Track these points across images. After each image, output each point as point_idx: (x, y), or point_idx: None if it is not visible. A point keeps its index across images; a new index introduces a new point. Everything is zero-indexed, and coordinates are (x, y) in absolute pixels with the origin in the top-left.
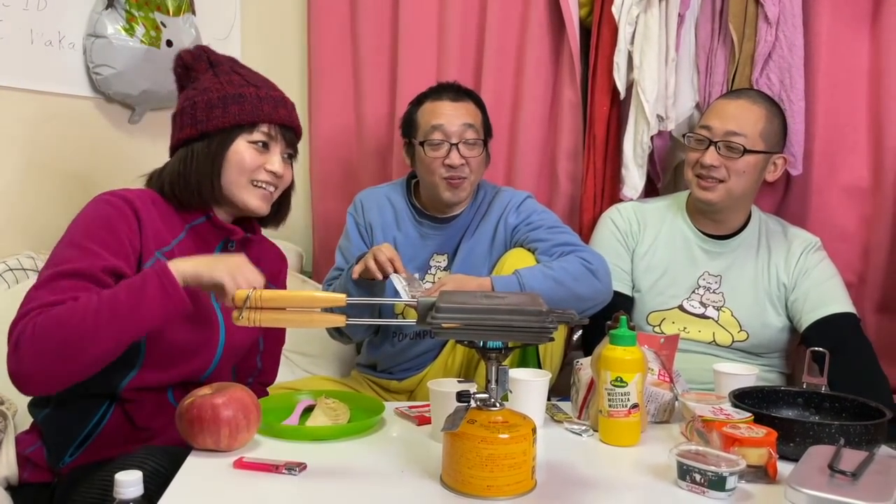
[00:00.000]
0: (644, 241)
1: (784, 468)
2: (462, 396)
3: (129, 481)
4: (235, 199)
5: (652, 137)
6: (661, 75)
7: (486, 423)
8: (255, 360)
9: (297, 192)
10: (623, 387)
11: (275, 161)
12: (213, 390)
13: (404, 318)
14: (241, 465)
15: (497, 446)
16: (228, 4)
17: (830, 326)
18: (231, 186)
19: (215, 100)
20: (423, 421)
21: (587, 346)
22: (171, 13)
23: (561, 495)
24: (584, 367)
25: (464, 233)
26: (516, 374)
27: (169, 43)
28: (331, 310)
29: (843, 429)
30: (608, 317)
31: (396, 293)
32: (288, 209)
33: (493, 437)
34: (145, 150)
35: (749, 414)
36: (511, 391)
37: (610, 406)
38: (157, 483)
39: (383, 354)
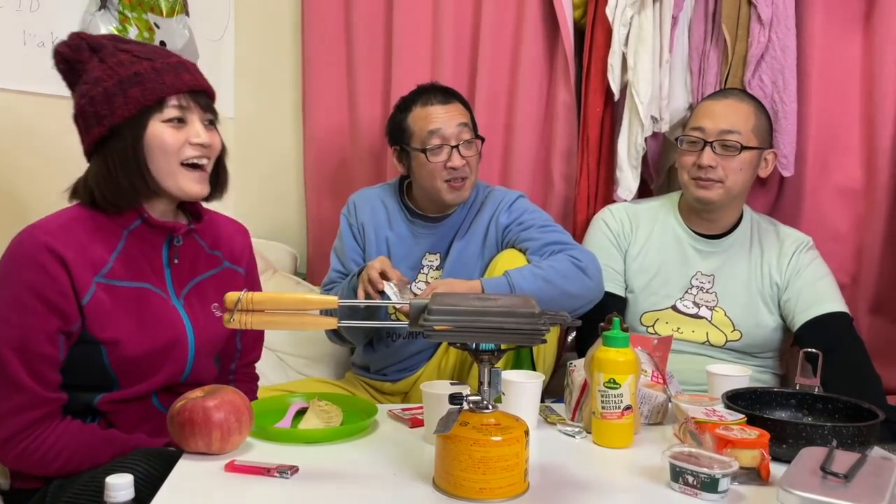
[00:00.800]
0: (636, 242)
1: (777, 470)
2: (455, 398)
3: (120, 485)
4: (170, 187)
5: (646, 139)
6: (655, 77)
7: (478, 426)
8: (235, 342)
9: (291, 194)
10: (616, 388)
11: (197, 131)
12: (205, 393)
13: (397, 320)
14: (232, 468)
15: (490, 448)
16: (222, 5)
17: (823, 326)
18: (161, 175)
19: (112, 88)
20: (416, 423)
21: (581, 347)
22: (164, 14)
23: (554, 497)
24: (578, 368)
25: (456, 232)
26: (509, 375)
27: (162, 44)
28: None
29: (835, 430)
30: (602, 318)
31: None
32: (226, 176)
33: (485, 439)
34: None
35: (742, 415)
36: (504, 393)
37: (603, 408)
38: (149, 486)
39: (378, 355)
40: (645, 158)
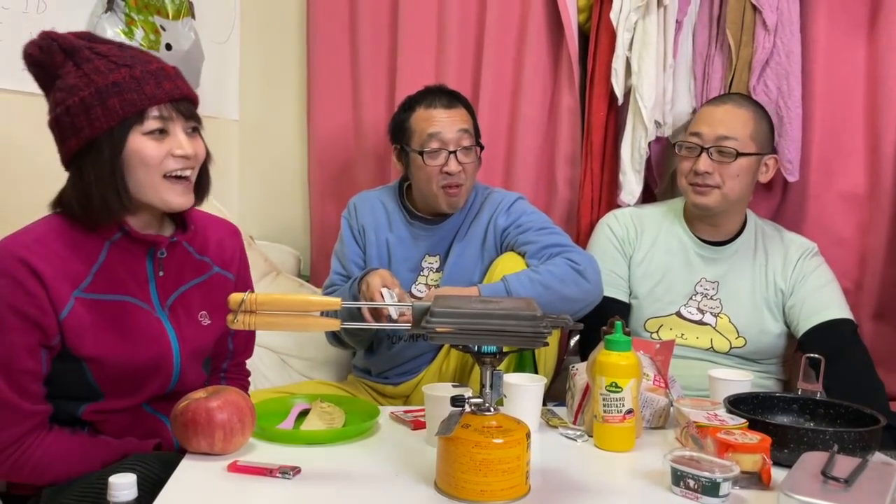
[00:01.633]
0: (641, 248)
1: (778, 474)
2: (456, 401)
3: (123, 484)
4: (153, 201)
5: (649, 143)
6: (658, 81)
7: (480, 428)
8: (227, 343)
9: (295, 196)
10: (618, 392)
11: (181, 142)
12: (208, 394)
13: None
14: (235, 468)
15: (491, 451)
16: (228, 8)
17: (827, 332)
18: (143, 189)
19: (89, 98)
20: (418, 425)
21: (584, 352)
22: (170, 17)
23: (555, 500)
24: (580, 372)
25: (455, 234)
26: (511, 378)
27: (168, 46)
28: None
29: (837, 435)
30: (604, 322)
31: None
32: (208, 181)
33: (487, 441)
34: None
35: (743, 420)
36: (506, 396)
37: (605, 411)
38: (147, 488)
39: (379, 358)
40: (648, 163)
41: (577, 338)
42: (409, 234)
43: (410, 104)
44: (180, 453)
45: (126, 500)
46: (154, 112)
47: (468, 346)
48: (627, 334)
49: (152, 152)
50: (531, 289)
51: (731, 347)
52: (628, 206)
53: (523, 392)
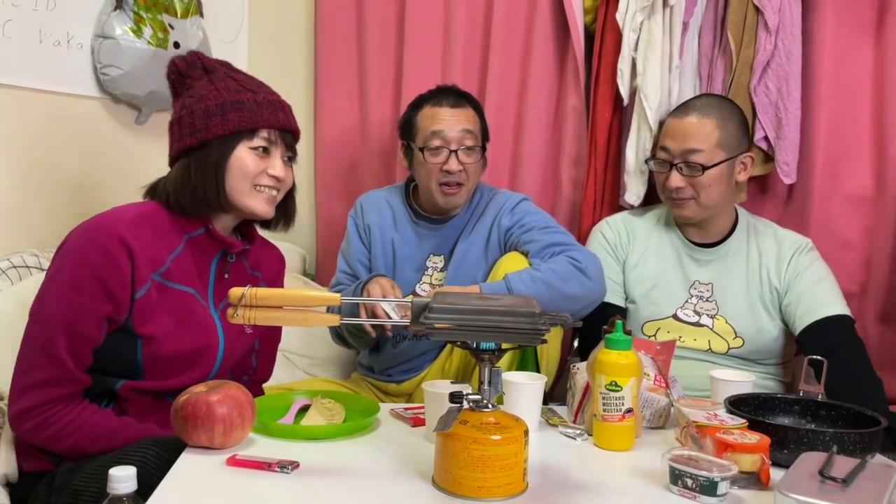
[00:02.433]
0: (634, 253)
1: (777, 475)
2: (455, 397)
3: (123, 476)
4: (240, 205)
5: None
6: (664, 82)
7: (477, 424)
8: (251, 358)
9: (301, 195)
10: (617, 391)
11: (276, 165)
12: (209, 388)
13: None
14: (233, 462)
15: (488, 447)
16: (236, 7)
17: (824, 329)
18: (235, 193)
19: (213, 107)
20: (417, 422)
21: (584, 353)
22: (178, 15)
23: (552, 498)
24: (581, 371)
25: (460, 234)
26: (512, 377)
27: (176, 45)
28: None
29: (837, 436)
30: (604, 324)
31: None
32: (294, 210)
33: (484, 437)
34: (151, 151)
35: (743, 420)
36: (505, 393)
37: (604, 410)
38: (160, 471)
39: (382, 356)
40: None
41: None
42: (413, 233)
43: (420, 101)
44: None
45: (125, 492)
46: (263, 133)
47: (467, 343)
48: (628, 333)
49: (251, 165)
50: (533, 287)
51: (729, 348)
52: (632, 207)
53: (523, 390)
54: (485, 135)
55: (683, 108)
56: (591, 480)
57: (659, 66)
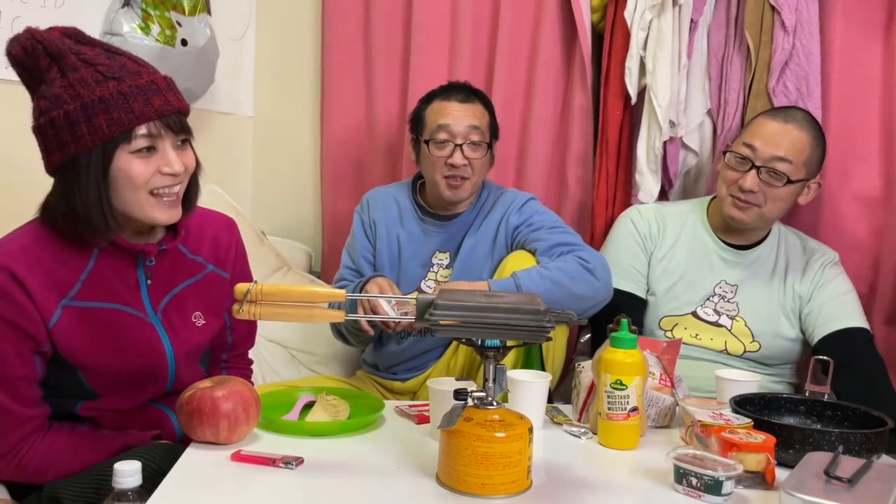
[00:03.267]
0: (663, 245)
1: (782, 475)
2: (459, 394)
3: (128, 471)
4: (139, 217)
5: (664, 144)
6: (673, 81)
7: (482, 422)
8: (225, 337)
9: (307, 192)
10: (622, 390)
11: (170, 159)
12: (214, 383)
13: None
14: (238, 457)
15: (492, 444)
16: (244, 4)
17: (842, 341)
18: (128, 206)
19: (74, 113)
20: (422, 419)
21: (596, 348)
22: (186, 13)
23: (555, 496)
24: (586, 369)
25: (466, 231)
26: (517, 374)
27: (184, 42)
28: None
29: (842, 436)
30: (623, 312)
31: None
32: (197, 191)
33: (488, 435)
34: None
35: (749, 420)
36: (510, 391)
37: (609, 409)
38: (149, 479)
39: (387, 353)
40: (663, 164)
41: (587, 336)
42: (420, 230)
43: (430, 96)
44: (183, 444)
45: (131, 487)
46: (142, 130)
47: (471, 340)
48: (634, 332)
49: (139, 171)
50: (541, 284)
51: (744, 351)
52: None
53: (528, 388)
54: (493, 133)
55: (782, 115)
56: (596, 479)
57: (669, 65)
